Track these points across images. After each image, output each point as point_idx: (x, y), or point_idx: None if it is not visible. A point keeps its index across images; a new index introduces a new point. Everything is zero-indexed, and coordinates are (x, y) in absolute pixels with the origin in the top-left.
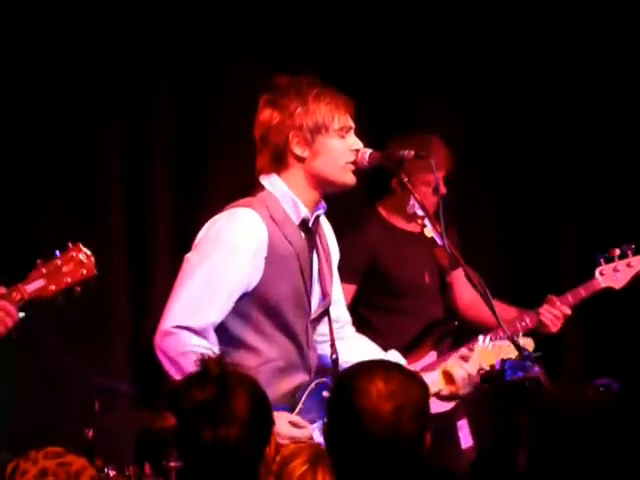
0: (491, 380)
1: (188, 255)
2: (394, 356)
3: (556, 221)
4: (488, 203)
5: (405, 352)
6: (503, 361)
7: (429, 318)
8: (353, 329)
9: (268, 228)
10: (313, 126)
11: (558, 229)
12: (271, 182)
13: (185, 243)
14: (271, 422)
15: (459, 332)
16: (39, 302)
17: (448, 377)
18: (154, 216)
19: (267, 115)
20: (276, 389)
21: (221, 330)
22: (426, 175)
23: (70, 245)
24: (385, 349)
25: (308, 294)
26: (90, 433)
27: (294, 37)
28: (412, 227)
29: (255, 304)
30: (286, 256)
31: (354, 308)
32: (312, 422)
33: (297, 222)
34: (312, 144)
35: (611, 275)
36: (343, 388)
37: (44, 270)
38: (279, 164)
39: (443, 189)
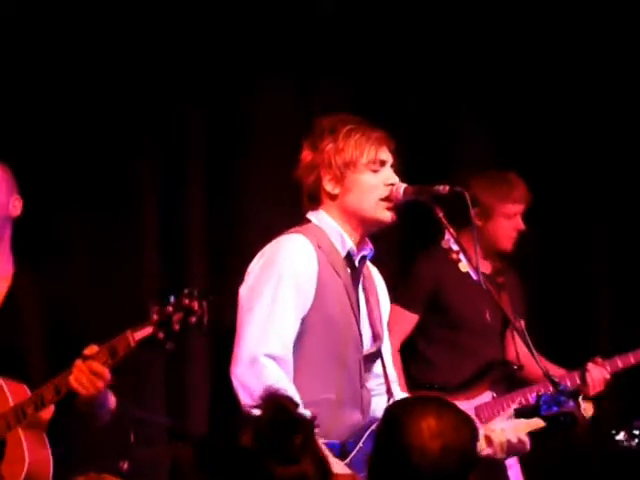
0: (525, 414)
1: (243, 288)
2: None
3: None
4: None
5: (460, 389)
6: (539, 396)
7: (487, 358)
8: (399, 387)
9: (318, 254)
10: (342, 162)
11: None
12: (317, 216)
13: (219, 275)
14: None
15: (518, 378)
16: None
17: (488, 440)
18: (188, 246)
19: (303, 155)
20: (330, 423)
21: None
22: (505, 206)
23: (186, 291)
24: (440, 383)
25: (359, 328)
26: (125, 465)
27: (326, 62)
28: (481, 266)
29: (308, 331)
30: (335, 285)
31: (411, 339)
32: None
33: (343, 254)
34: (343, 180)
35: None
36: (393, 420)
37: (155, 317)
38: (314, 203)
39: (522, 224)
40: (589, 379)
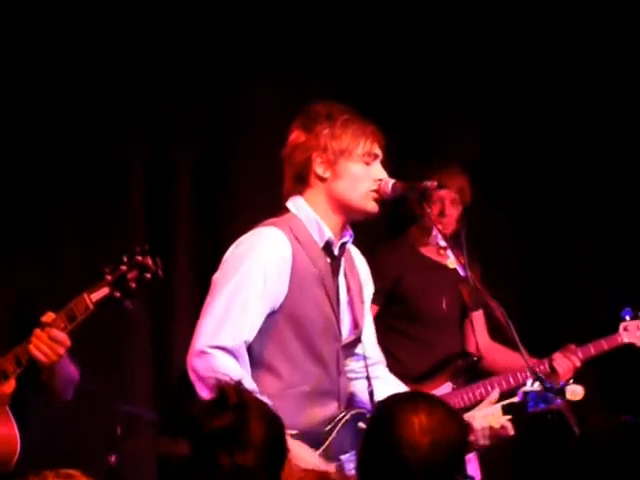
0: (512, 411)
1: (214, 276)
2: None
3: (575, 266)
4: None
5: (420, 380)
6: (525, 393)
7: (446, 349)
8: (386, 369)
9: (292, 246)
10: (337, 148)
11: (576, 274)
12: (295, 205)
13: (205, 272)
14: (286, 448)
15: (477, 368)
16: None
17: (469, 427)
18: (175, 245)
19: (295, 136)
20: (303, 415)
21: (247, 351)
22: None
23: (137, 249)
24: (399, 374)
25: (337, 318)
26: (112, 458)
27: (310, 60)
28: (441, 257)
29: (282, 324)
30: (310, 277)
31: None
32: (344, 453)
33: (321, 245)
34: (334, 165)
35: (635, 332)
36: (384, 416)
37: (109, 277)
38: (301, 183)
39: (445, 209)
40: (557, 367)
